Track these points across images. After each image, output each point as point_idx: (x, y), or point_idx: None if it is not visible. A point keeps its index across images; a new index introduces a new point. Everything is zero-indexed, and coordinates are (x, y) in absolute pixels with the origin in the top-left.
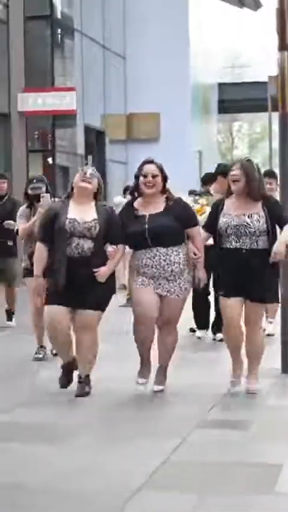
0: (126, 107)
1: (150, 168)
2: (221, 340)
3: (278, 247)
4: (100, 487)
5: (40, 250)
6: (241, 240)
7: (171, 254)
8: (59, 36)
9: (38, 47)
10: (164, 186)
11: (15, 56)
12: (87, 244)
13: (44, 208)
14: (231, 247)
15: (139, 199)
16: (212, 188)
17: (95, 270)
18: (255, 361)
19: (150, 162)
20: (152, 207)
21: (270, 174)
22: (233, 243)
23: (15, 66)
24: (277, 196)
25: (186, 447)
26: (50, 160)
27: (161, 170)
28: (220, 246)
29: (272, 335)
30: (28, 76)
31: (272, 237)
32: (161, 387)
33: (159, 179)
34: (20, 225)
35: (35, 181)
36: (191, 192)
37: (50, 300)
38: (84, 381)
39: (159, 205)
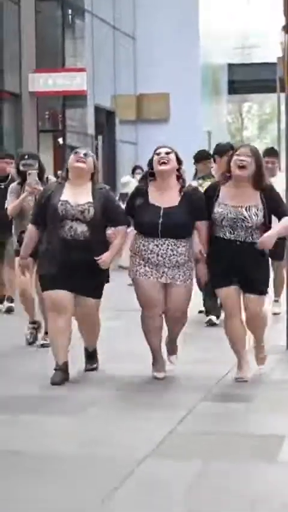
0: (136, 87)
1: (163, 147)
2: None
3: (268, 238)
4: (110, 455)
5: (30, 233)
6: (236, 232)
7: (180, 245)
8: (70, 17)
9: (49, 28)
10: (179, 171)
11: (27, 37)
12: (81, 228)
13: (30, 186)
14: (224, 237)
15: (154, 186)
16: (213, 169)
17: (96, 258)
18: (260, 335)
19: (164, 146)
20: (166, 198)
21: (270, 152)
22: (227, 234)
23: (27, 46)
24: (278, 175)
25: (192, 418)
26: (60, 140)
27: (175, 152)
28: (214, 234)
29: (278, 313)
30: (39, 57)
31: (266, 230)
32: (171, 366)
33: (173, 156)
34: (10, 202)
35: (26, 157)
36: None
37: (49, 284)
38: (92, 354)
39: (174, 196)
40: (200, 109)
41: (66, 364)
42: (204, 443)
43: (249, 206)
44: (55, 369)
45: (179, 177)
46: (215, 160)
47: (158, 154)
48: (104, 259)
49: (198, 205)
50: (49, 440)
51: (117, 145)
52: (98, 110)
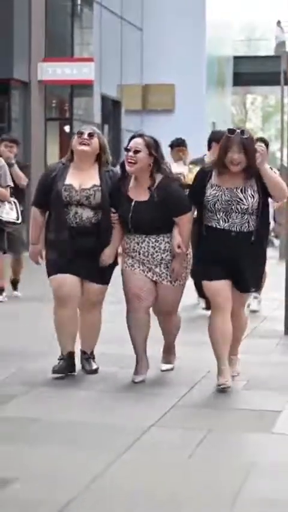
0: (142, 78)
1: (135, 142)
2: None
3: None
4: (118, 424)
5: (35, 216)
6: (230, 219)
7: (162, 242)
8: (79, 7)
9: (59, 18)
10: (153, 165)
11: (36, 26)
12: (87, 214)
13: None
14: (218, 227)
15: (132, 176)
16: (207, 156)
17: (103, 256)
18: (237, 341)
19: (140, 135)
20: (140, 191)
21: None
22: (221, 222)
23: (36, 35)
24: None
25: (193, 395)
26: (67, 128)
27: (148, 146)
28: (205, 223)
29: (256, 311)
30: (48, 46)
31: (261, 218)
32: (169, 366)
33: (142, 155)
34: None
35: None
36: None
37: (55, 269)
38: (90, 356)
39: (145, 191)
40: (205, 100)
41: (71, 354)
42: (205, 416)
43: (244, 187)
44: (59, 359)
45: (153, 172)
46: (210, 148)
47: (128, 150)
48: (105, 255)
49: (170, 200)
50: (64, 410)
51: (122, 135)
52: (104, 99)
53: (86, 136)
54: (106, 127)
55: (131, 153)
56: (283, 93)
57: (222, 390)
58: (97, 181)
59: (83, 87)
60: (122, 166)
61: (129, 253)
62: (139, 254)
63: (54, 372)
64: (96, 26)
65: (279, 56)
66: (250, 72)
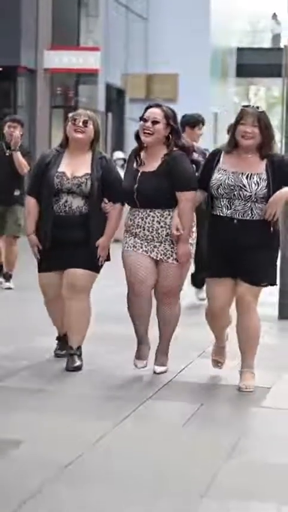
0: (146, 67)
1: (153, 112)
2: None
3: (273, 204)
4: (116, 396)
5: (29, 205)
6: (233, 206)
7: (168, 216)
8: None
9: (65, 6)
10: (169, 138)
11: (43, 15)
12: (77, 202)
13: None
14: (221, 214)
15: (143, 151)
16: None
17: (96, 244)
18: (250, 352)
19: (158, 105)
20: (149, 162)
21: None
22: (224, 209)
23: (43, 24)
24: None
25: (188, 371)
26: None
27: (167, 117)
28: (212, 212)
29: (203, 299)
30: (54, 34)
31: (259, 205)
32: (163, 368)
33: (160, 126)
34: None
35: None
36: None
37: (40, 266)
38: (76, 352)
39: (156, 162)
40: (208, 90)
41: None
42: (199, 391)
43: (250, 174)
44: (57, 339)
45: (168, 145)
46: (184, 131)
47: (145, 120)
48: (100, 246)
49: (177, 173)
50: (66, 383)
51: (126, 123)
52: (109, 87)
53: (80, 124)
54: (110, 115)
55: (148, 123)
56: (284, 87)
57: (216, 367)
58: (89, 170)
59: (88, 76)
60: (137, 137)
61: (132, 230)
62: (143, 230)
63: (56, 354)
64: (102, 15)
65: (282, 48)
66: (253, 64)
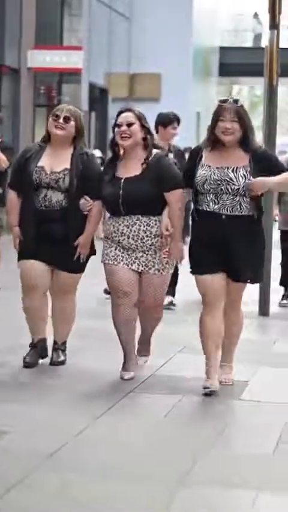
0: (129, 67)
1: (126, 116)
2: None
3: (260, 182)
4: (99, 390)
5: (11, 198)
6: (220, 201)
7: (154, 225)
8: None
9: (49, 6)
10: (145, 139)
11: (27, 14)
12: (56, 197)
13: None
14: (207, 209)
15: (122, 157)
16: (156, 141)
17: (75, 243)
18: (231, 347)
19: (128, 110)
20: (130, 168)
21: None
22: (211, 204)
23: (27, 24)
24: None
25: (169, 366)
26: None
27: (140, 119)
28: (196, 206)
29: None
30: (38, 33)
31: (257, 201)
32: (144, 359)
33: (136, 128)
34: None
35: None
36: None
37: (24, 254)
38: (60, 347)
39: (138, 166)
40: (191, 90)
41: (43, 340)
42: (180, 384)
43: (236, 167)
44: (30, 346)
45: (146, 146)
46: (157, 131)
47: (119, 126)
48: (80, 244)
49: (162, 174)
50: (52, 377)
51: (109, 122)
52: (92, 87)
53: (61, 120)
54: (93, 114)
55: (123, 127)
56: (265, 86)
57: (206, 394)
58: (68, 165)
59: (72, 75)
60: (112, 146)
61: (115, 238)
62: (128, 238)
63: (25, 364)
64: (85, 14)
65: (264, 48)
66: (236, 63)
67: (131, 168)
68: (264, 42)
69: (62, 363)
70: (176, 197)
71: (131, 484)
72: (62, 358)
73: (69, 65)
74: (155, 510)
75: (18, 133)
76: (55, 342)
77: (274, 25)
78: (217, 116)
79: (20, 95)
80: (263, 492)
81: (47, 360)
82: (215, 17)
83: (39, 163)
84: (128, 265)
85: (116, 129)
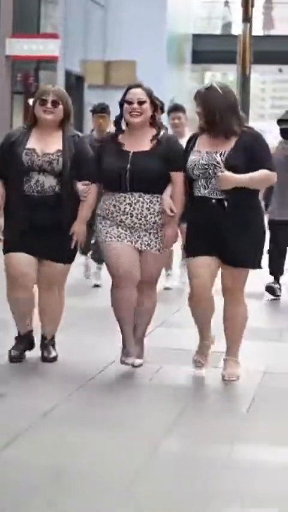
0: (104, 54)
1: (136, 93)
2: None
3: (229, 176)
4: (91, 359)
5: None
6: (210, 186)
7: (156, 203)
8: None
9: None
10: (154, 116)
11: (4, 2)
12: (49, 182)
13: None
14: (199, 194)
15: (126, 133)
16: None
17: (70, 232)
18: (235, 340)
19: (138, 86)
20: (138, 143)
21: (175, 108)
22: (202, 189)
23: (4, 12)
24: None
25: (147, 339)
26: (30, 101)
27: (150, 96)
28: (190, 193)
29: (169, 289)
30: (15, 21)
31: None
32: (140, 361)
33: (147, 106)
34: None
35: None
36: None
37: (10, 246)
38: (50, 342)
39: (146, 142)
40: (165, 76)
41: (29, 332)
42: (157, 355)
43: (224, 151)
44: (16, 338)
45: (153, 124)
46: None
47: (130, 103)
48: (74, 231)
49: (173, 152)
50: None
51: (85, 108)
52: (68, 74)
53: (49, 105)
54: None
55: (135, 105)
56: (238, 74)
57: (198, 367)
58: (60, 147)
59: (48, 62)
60: (118, 121)
61: (116, 218)
62: (131, 217)
63: (11, 359)
64: (61, 2)
65: (237, 36)
66: (208, 50)
67: (139, 143)
68: (235, 31)
69: (55, 359)
70: (180, 178)
71: (119, 432)
72: (53, 354)
73: (46, 52)
74: (139, 454)
75: None
76: (44, 337)
77: (247, 18)
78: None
79: None
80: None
81: (34, 354)
82: (189, 4)
83: (28, 146)
84: (132, 243)
85: (126, 105)
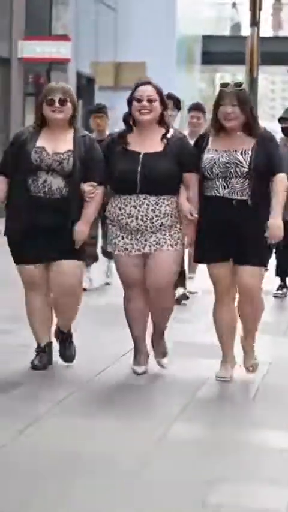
0: (115, 56)
1: (145, 90)
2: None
3: (275, 227)
4: (99, 353)
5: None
6: (230, 185)
7: (162, 204)
8: None
9: None
10: (163, 115)
11: (17, 5)
12: (57, 183)
13: None
14: (217, 195)
15: (134, 132)
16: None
17: (77, 229)
18: (253, 330)
19: (147, 83)
20: (148, 143)
21: (196, 107)
22: (220, 189)
23: (17, 15)
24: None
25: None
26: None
27: (160, 94)
28: (204, 193)
29: (195, 293)
30: (28, 23)
31: (256, 182)
32: (166, 360)
33: (156, 104)
34: None
35: None
36: None
37: (18, 257)
38: (67, 337)
39: (157, 142)
40: (174, 78)
41: (49, 344)
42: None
43: (244, 150)
44: (36, 351)
45: (162, 122)
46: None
47: (139, 100)
48: (78, 231)
49: (186, 153)
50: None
51: None
52: (79, 75)
53: (57, 104)
54: (80, 102)
55: (144, 103)
56: (246, 74)
57: (220, 380)
58: (71, 147)
59: (59, 64)
60: (127, 119)
61: (122, 221)
62: (136, 219)
63: (34, 367)
64: (72, 5)
65: (246, 37)
66: (218, 52)
67: (149, 144)
68: (244, 32)
69: (74, 357)
70: (195, 179)
71: (129, 421)
72: (73, 351)
73: (58, 55)
74: (149, 439)
75: (9, 122)
76: (62, 332)
77: (254, 22)
78: (218, 101)
79: (11, 84)
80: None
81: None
82: (198, 5)
83: (38, 144)
84: (140, 251)
85: (135, 103)
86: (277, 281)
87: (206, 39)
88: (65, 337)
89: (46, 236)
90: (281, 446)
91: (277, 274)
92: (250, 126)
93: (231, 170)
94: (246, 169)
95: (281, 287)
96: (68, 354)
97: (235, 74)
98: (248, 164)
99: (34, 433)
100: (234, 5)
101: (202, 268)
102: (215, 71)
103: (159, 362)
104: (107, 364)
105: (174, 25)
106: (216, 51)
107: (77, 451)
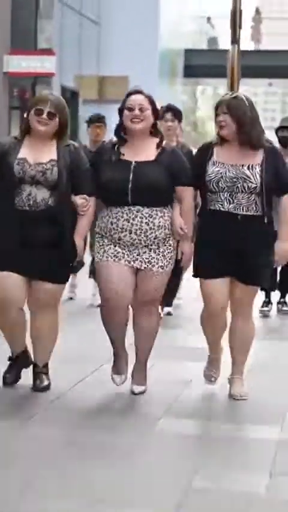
0: (98, 69)
1: (137, 99)
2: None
3: (283, 251)
4: (97, 348)
5: None
6: (235, 200)
7: (156, 216)
8: (41, 2)
9: (23, 13)
10: (155, 125)
11: (2, 19)
12: (42, 194)
13: None
14: (222, 209)
15: (125, 141)
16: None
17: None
18: (242, 357)
19: (138, 92)
20: (140, 153)
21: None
22: (225, 204)
23: (2, 30)
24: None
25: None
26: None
27: (152, 103)
28: (207, 207)
29: (179, 299)
30: (13, 38)
31: (265, 198)
32: (142, 388)
33: (149, 113)
34: None
35: None
36: None
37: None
38: (42, 370)
39: (149, 152)
40: (157, 91)
41: (25, 350)
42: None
43: (251, 165)
44: (9, 360)
45: (155, 132)
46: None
47: (131, 109)
48: (79, 250)
49: (179, 166)
50: None
51: (80, 122)
52: (63, 89)
53: (44, 116)
54: None
55: (136, 111)
56: (228, 88)
57: (208, 382)
58: (54, 156)
59: (44, 77)
60: (118, 130)
61: (114, 235)
62: (130, 233)
63: (5, 382)
64: (57, 20)
65: (227, 50)
66: (200, 65)
67: (142, 153)
68: (222, 45)
69: (47, 387)
70: (188, 193)
71: (117, 417)
72: (45, 382)
73: (43, 69)
74: (144, 428)
75: None
76: (35, 365)
77: (235, 40)
78: (215, 111)
79: None
80: (227, 423)
81: (26, 382)
82: (181, 19)
83: (20, 155)
84: (130, 263)
85: (126, 112)
86: (261, 297)
87: (188, 52)
88: (39, 371)
89: (33, 251)
90: (261, 437)
91: (279, 289)
92: (247, 136)
93: (238, 185)
94: (254, 185)
95: (265, 303)
96: (42, 386)
97: (217, 87)
98: (255, 179)
99: (39, 421)
100: (209, 19)
101: (188, 276)
102: (197, 84)
103: (133, 389)
104: (106, 358)
105: (157, 39)
106: (197, 65)
107: (78, 438)
